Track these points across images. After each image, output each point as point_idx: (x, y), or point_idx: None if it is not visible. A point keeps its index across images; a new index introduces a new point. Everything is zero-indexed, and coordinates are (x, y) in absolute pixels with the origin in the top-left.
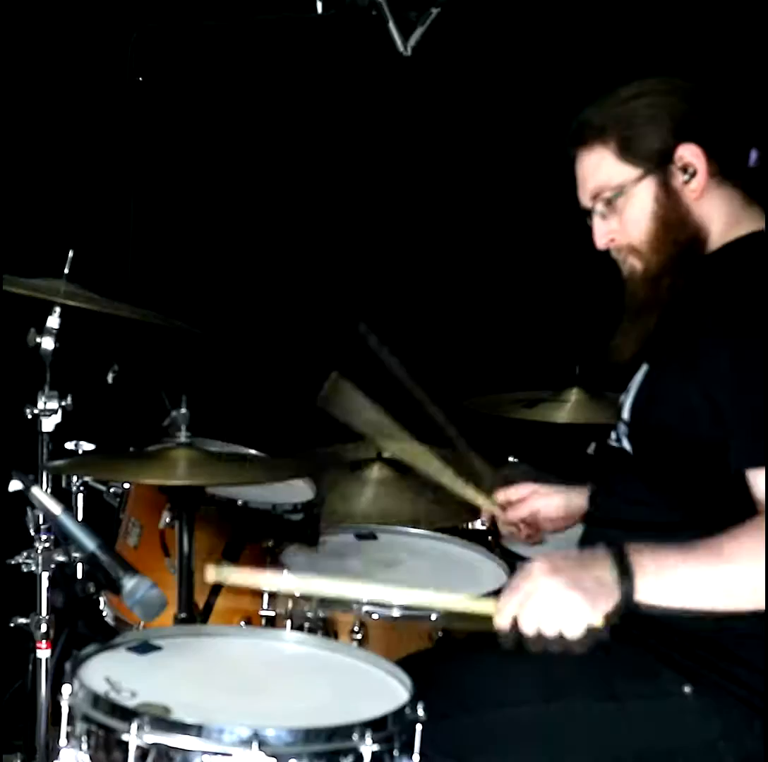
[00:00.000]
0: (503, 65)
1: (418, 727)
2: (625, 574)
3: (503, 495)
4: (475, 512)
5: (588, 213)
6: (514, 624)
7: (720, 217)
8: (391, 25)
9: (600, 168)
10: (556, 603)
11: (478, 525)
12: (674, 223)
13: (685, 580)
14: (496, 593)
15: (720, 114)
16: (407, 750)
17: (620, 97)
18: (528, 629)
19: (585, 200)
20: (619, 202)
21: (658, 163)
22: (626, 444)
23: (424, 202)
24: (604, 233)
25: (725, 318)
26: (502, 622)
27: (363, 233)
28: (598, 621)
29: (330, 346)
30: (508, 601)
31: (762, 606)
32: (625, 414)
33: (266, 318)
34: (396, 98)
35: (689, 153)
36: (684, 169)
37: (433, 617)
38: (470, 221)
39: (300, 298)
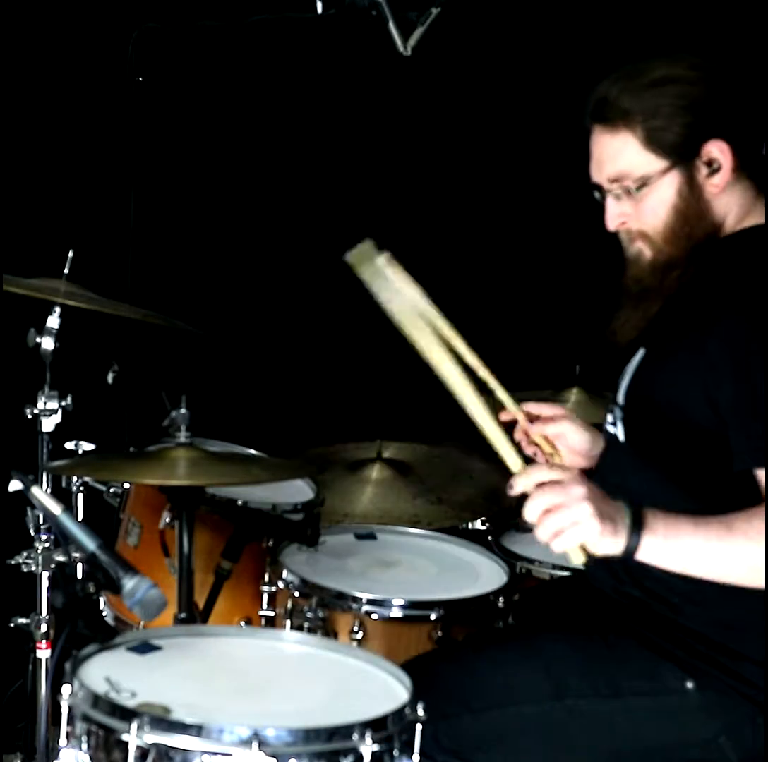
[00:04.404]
0: (504, 65)
1: (418, 727)
2: (636, 529)
3: (535, 407)
4: (474, 512)
5: (597, 188)
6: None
7: (734, 210)
8: (391, 25)
9: (623, 154)
10: (577, 521)
11: (478, 525)
12: (693, 217)
13: (691, 549)
14: (495, 594)
15: (746, 107)
16: (407, 750)
17: (649, 78)
18: (532, 517)
19: (600, 179)
20: (641, 191)
21: (684, 157)
22: (620, 428)
23: (424, 203)
24: (616, 215)
25: (728, 312)
26: (519, 489)
27: (362, 233)
28: (580, 558)
29: (330, 346)
30: (539, 497)
31: (759, 585)
32: (620, 398)
33: (267, 318)
34: (396, 98)
35: (717, 149)
36: (708, 164)
37: (433, 616)
38: (470, 221)
39: (300, 298)
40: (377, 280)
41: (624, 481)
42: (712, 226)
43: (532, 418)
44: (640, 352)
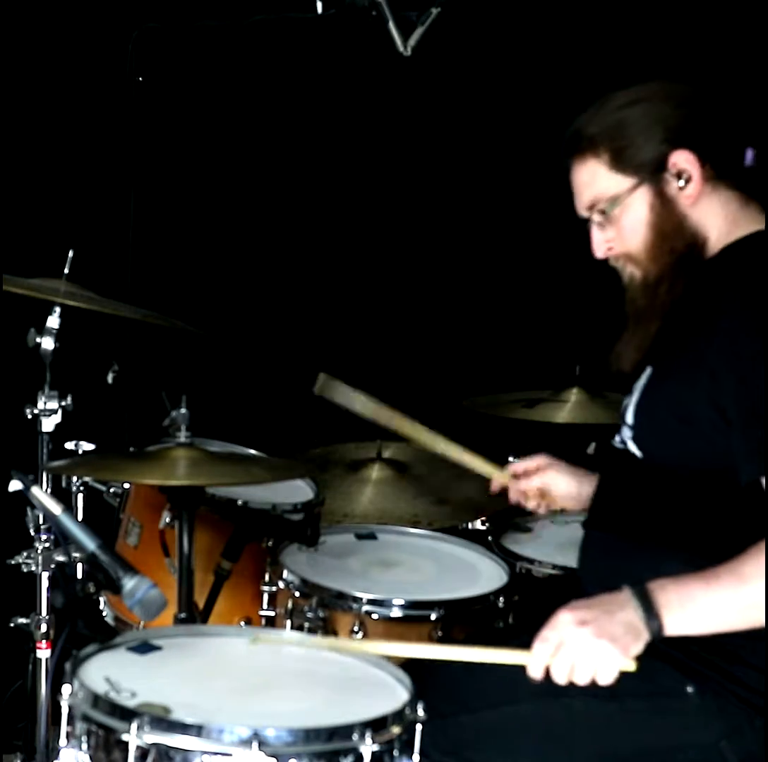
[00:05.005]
0: (503, 65)
1: (418, 727)
2: (651, 613)
3: (520, 464)
4: (475, 511)
5: (587, 221)
6: (547, 673)
7: (717, 220)
8: (391, 25)
9: (594, 180)
10: (588, 653)
11: (478, 525)
12: (670, 231)
13: (710, 608)
14: (495, 594)
15: (714, 117)
16: (407, 750)
17: (612, 105)
18: (560, 679)
19: (581, 210)
20: (615, 212)
21: (651, 172)
22: (632, 447)
23: (424, 203)
24: (601, 242)
25: (726, 320)
26: (534, 673)
27: (363, 233)
28: (630, 666)
29: (330, 346)
30: (539, 653)
31: None
32: (629, 418)
33: (266, 318)
34: (396, 98)
35: (682, 159)
36: (678, 176)
37: (433, 617)
38: (470, 221)
39: (300, 298)
40: (344, 398)
41: (639, 498)
42: (693, 238)
43: (519, 475)
44: (647, 371)
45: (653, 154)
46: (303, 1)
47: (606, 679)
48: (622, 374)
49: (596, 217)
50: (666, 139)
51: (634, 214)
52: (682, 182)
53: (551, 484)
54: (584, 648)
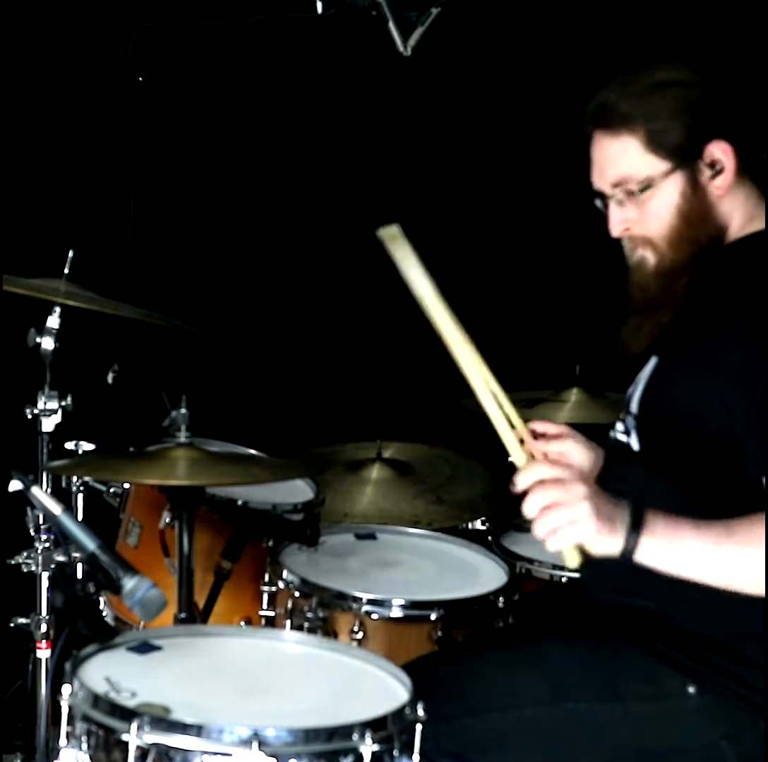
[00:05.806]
0: (504, 65)
1: (418, 727)
2: (635, 529)
3: (541, 425)
4: (474, 512)
5: (599, 195)
6: (524, 503)
7: (738, 214)
8: (391, 25)
9: (625, 157)
10: (572, 519)
11: (478, 525)
12: (697, 220)
13: (691, 553)
14: (495, 594)
15: (749, 109)
16: (407, 750)
17: (649, 82)
18: (529, 513)
19: (602, 185)
20: (644, 194)
21: (686, 158)
22: (634, 438)
23: (424, 203)
24: (620, 221)
25: (740, 318)
26: (517, 486)
27: (363, 233)
28: (575, 561)
29: (330, 346)
30: (536, 495)
31: (760, 592)
32: (634, 407)
33: (267, 318)
34: (396, 98)
35: (720, 150)
36: (711, 166)
37: (433, 617)
38: (470, 222)
39: (300, 297)
40: (406, 260)
41: (636, 491)
42: (716, 230)
43: (537, 436)
44: (653, 360)
45: (690, 140)
46: (303, 1)
47: (556, 545)
48: (622, 369)
49: (618, 195)
50: (702, 126)
51: (664, 199)
52: (713, 172)
53: (568, 453)
54: (574, 514)
